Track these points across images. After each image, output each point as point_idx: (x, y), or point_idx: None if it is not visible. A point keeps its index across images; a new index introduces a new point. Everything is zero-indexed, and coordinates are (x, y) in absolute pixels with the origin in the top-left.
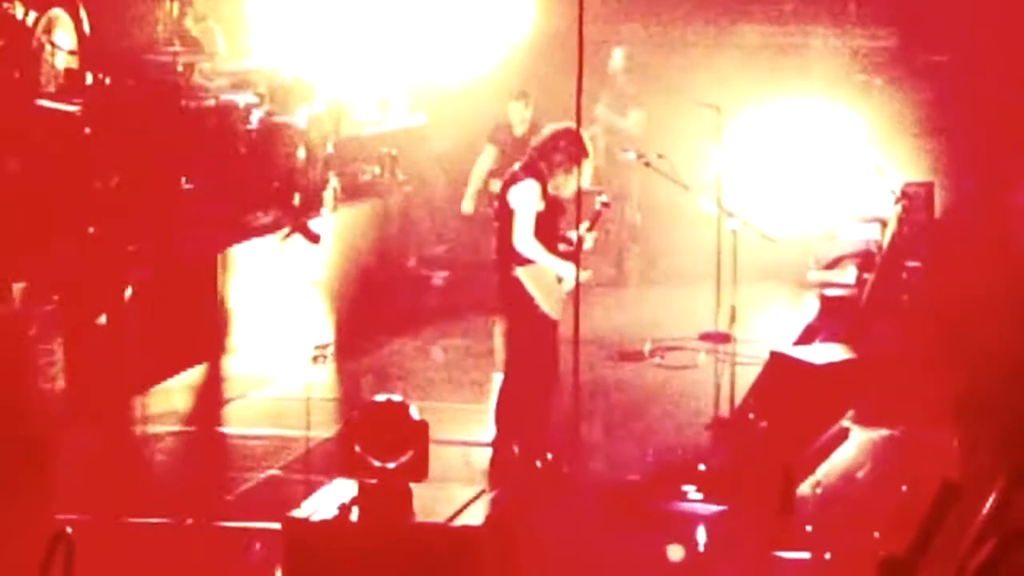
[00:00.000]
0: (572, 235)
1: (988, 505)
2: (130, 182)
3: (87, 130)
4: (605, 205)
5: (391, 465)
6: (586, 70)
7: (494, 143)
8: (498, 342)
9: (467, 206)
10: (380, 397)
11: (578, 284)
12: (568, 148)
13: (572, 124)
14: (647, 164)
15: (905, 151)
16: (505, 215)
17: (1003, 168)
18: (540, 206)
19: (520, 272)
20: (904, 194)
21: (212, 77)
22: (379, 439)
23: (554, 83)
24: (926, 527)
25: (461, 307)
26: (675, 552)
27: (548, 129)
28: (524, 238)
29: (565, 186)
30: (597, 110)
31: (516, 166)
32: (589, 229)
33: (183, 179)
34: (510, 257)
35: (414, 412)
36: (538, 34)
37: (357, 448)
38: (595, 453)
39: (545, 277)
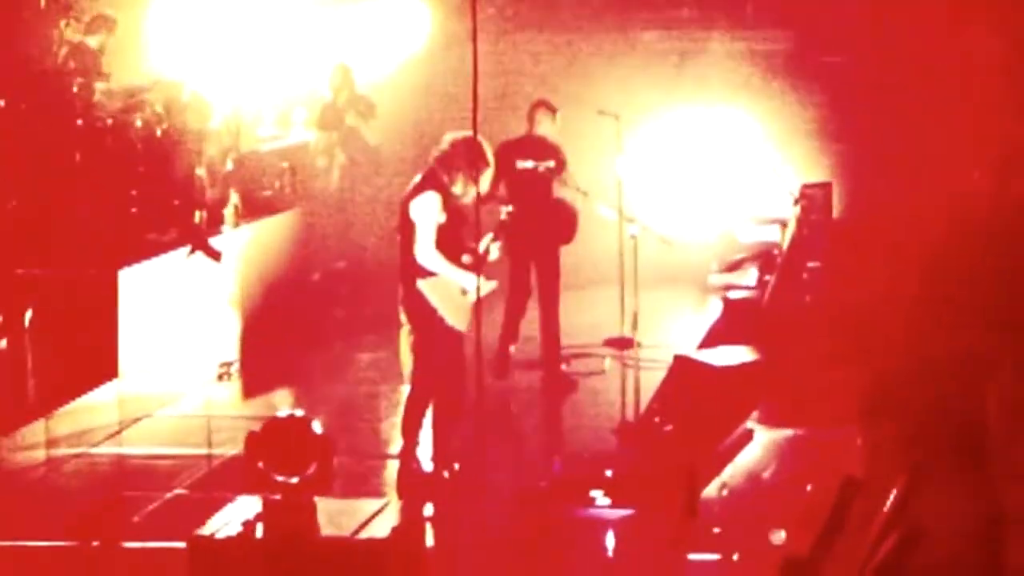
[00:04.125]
0: (480, 245)
1: (889, 502)
2: (27, 204)
3: None
4: (511, 215)
5: (294, 480)
6: (486, 78)
7: None
8: (404, 354)
9: None
10: (282, 412)
11: (479, 295)
12: (468, 156)
13: (469, 132)
14: (545, 171)
15: (802, 152)
16: (407, 227)
17: (900, 166)
18: (442, 218)
19: (422, 285)
20: (802, 195)
21: (109, 95)
22: (281, 454)
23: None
24: (828, 525)
25: (367, 320)
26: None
27: (447, 138)
28: (426, 250)
29: (466, 195)
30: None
31: (417, 177)
32: (494, 239)
33: (81, 199)
34: (413, 270)
35: (316, 426)
36: (435, 44)
37: (260, 464)
38: (502, 461)
39: (448, 289)
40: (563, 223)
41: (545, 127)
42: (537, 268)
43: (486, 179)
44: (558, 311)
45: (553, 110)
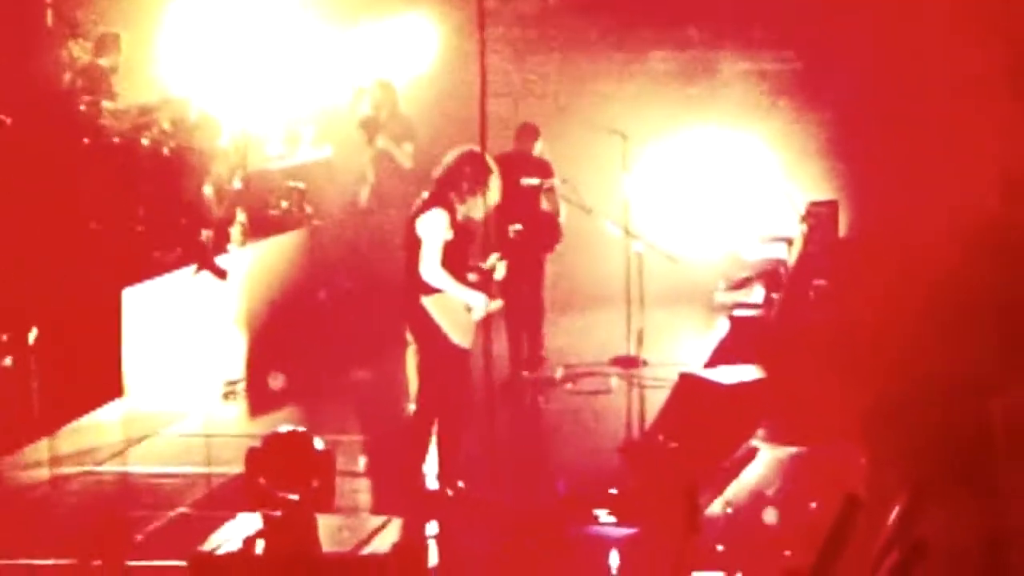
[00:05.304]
0: (487, 263)
1: (892, 518)
2: (34, 223)
3: None
4: (519, 233)
5: (295, 496)
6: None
7: None
8: (411, 372)
9: None
10: (283, 428)
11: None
12: (474, 172)
13: (472, 147)
14: (549, 189)
15: (810, 171)
16: (413, 244)
17: (907, 185)
18: (448, 235)
19: (427, 302)
20: (809, 213)
21: (117, 115)
22: (283, 470)
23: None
24: (830, 542)
25: (373, 339)
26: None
27: (451, 155)
28: (432, 267)
29: (475, 209)
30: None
31: (424, 194)
32: (501, 258)
33: (87, 218)
34: (418, 287)
35: (318, 442)
36: (442, 64)
37: (261, 480)
38: (508, 480)
39: (453, 306)
40: (547, 233)
41: (533, 148)
42: (525, 279)
43: (495, 191)
44: (543, 321)
45: (537, 135)
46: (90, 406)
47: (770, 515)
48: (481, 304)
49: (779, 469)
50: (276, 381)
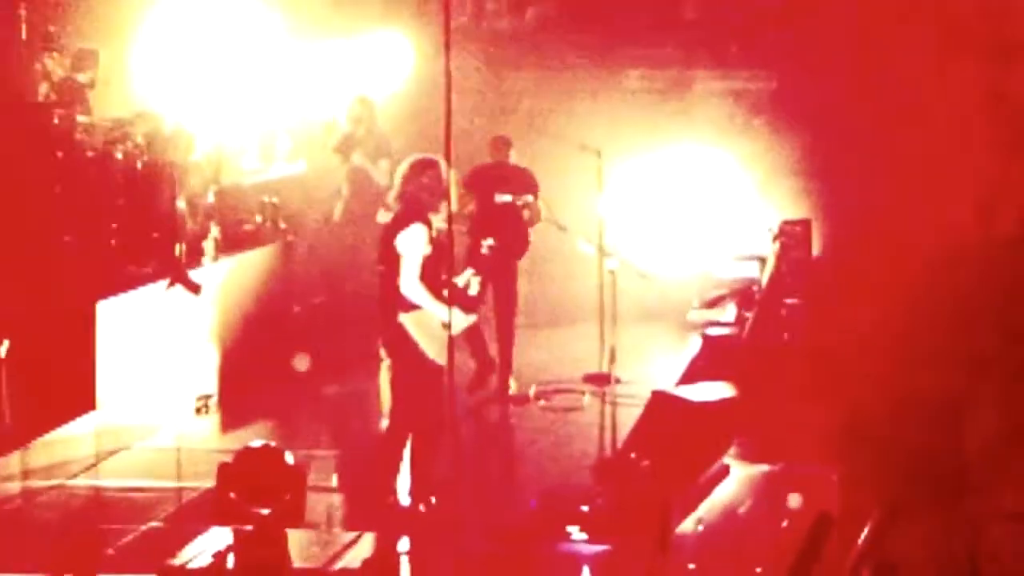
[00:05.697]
0: (460, 279)
1: (863, 537)
2: (6, 236)
3: None
4: (491, 248)
5: (266, 511)
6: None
7: None
8: (384, 388)
9: None
10: (255, 443)
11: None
12: (435, 178)
13: (417, 155)
14: (524, 206)
15: (783, 189)
16: (391, 260)
17: (881, 205)
18: (427, 250)
19: (404, 318)
20: (782, 231)
21: (91, 128)
22: (253, 485)
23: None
24: (802, 560)
25: (346, 354)
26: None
27: (401, 169)
28: (411, 283)
29: (441, 217)
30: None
31: (400, 209)
32: (476, 274)
33: (61, 231)
34: (396, 303)
35: (289, 457)
36: (420, 82)
37: (232, 494)
38: (480, 496)
39: (429, 323)
40: (519, 245)
41: (508, 158)
42: (495, 288)
43: (455, 198)
44: (514, 332)
45: (510, 144)
46: (62, 419)
47: (795, 501)
48: (458, 320)
49: (751, 487)
50: (302, 362)
